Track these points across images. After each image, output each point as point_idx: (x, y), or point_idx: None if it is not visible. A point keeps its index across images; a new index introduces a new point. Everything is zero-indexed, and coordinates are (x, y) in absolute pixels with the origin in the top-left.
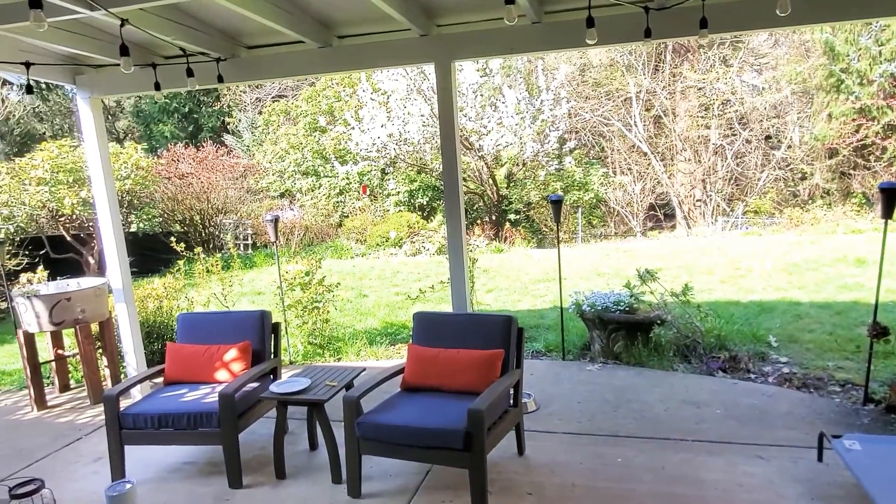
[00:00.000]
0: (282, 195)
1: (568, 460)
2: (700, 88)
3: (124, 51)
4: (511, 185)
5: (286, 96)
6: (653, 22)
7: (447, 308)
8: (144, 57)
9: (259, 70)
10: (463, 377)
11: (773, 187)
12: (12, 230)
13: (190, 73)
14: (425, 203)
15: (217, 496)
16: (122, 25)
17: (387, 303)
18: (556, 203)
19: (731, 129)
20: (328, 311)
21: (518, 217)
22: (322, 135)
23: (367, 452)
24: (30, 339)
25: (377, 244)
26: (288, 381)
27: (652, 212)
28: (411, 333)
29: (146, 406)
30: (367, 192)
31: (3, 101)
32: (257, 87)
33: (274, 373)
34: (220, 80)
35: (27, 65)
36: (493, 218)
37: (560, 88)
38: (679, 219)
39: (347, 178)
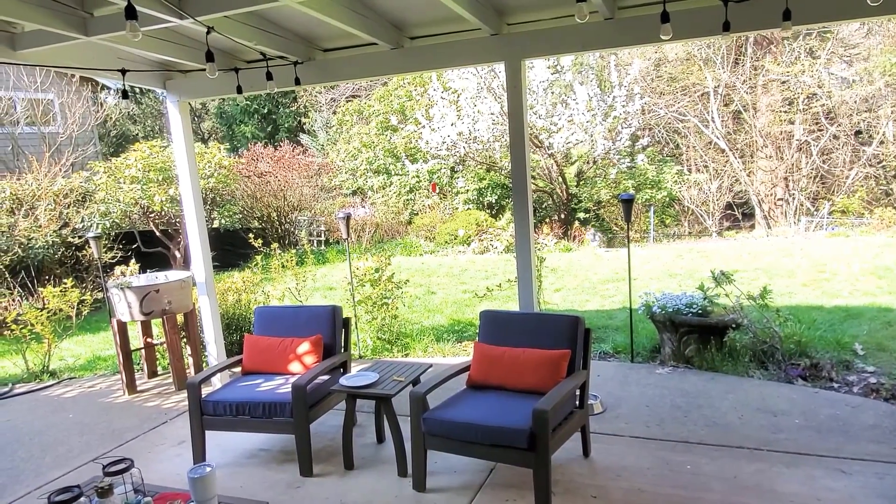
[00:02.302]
0: (354, 193)
1: (635, 465)
2: (784, 82)
3: (210, 56)
4: (581, 183)
5: (359, 96)
6: (732, 14)
7: (514, 307)
8: (228, 62)
9: (333, 72)
10: (528, 376)
11: (862, 186)
12: (108, 225)
13: (269, 76)
14: (494, 201)
15: (289, 483)
16: (207, 32)
17: (454, 300)
18: (627, 202)
19: (816, 124)
20: (397, 308)
21: (588, 216)
22: (393, 134)
23: (433, 448)
24: (122, 328)
25: (446, 242)
26: (357, 375)
27: (729, 211)
28: (478, 331)
29: (225, 394)
30: (437, 190)
31: (102, 105)
32: (332, 88)
33: (344, 366)
34: (297, 82)
35: (123, 71)
36: (562, 216)
37: (633, 84)
38: (758, 218)
39: (417, 177)
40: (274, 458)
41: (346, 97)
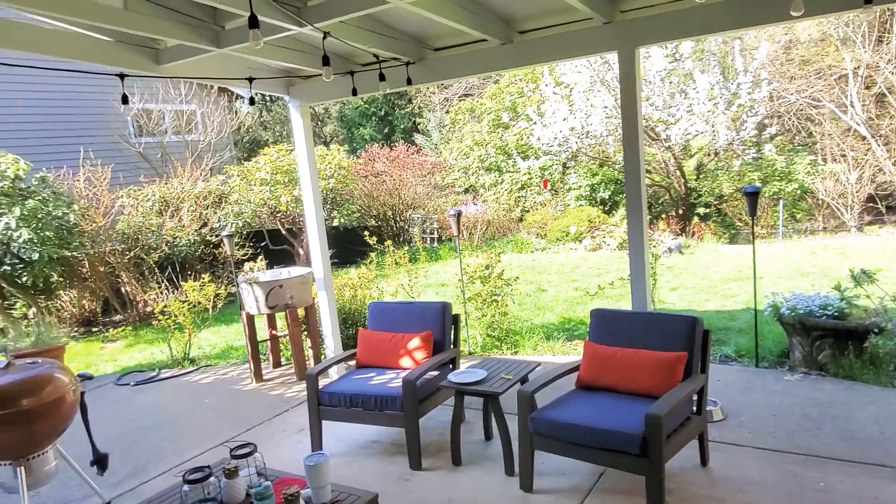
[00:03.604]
0: (466, 191)
1: (759, 478)
2: None
3: (326, 61)
4: (701, 176)
5: (472, 95)
6: None
7: (626, 305)
8: (344, 66)
9: (444, 70)
10: (641, 379)
11: None
12: (240, 225)
13: (382, 77)
14: (607, 197)
15: (400, 475)
16: (324, 38)
17: (565, 298)
18: (753, 195)
19: None
20: (506, 305)
21: (708, 211)
22: (505, 131)
23: (540, 448)
24: (250, 320)
25: (557, 238)
26: (466, 372)
27: (871, 204)
28: (588, 330)
29: (340, 386)
30: (549, 187)
31: (236, 113)
32: (445, 88)
33: (453, 362)
34: (409, 82)
35: (250, 79)
36: (680, 212)
37: (760, 69)
38: None
39: (529, 173)
40: (385, 450)
41: (459, 96)
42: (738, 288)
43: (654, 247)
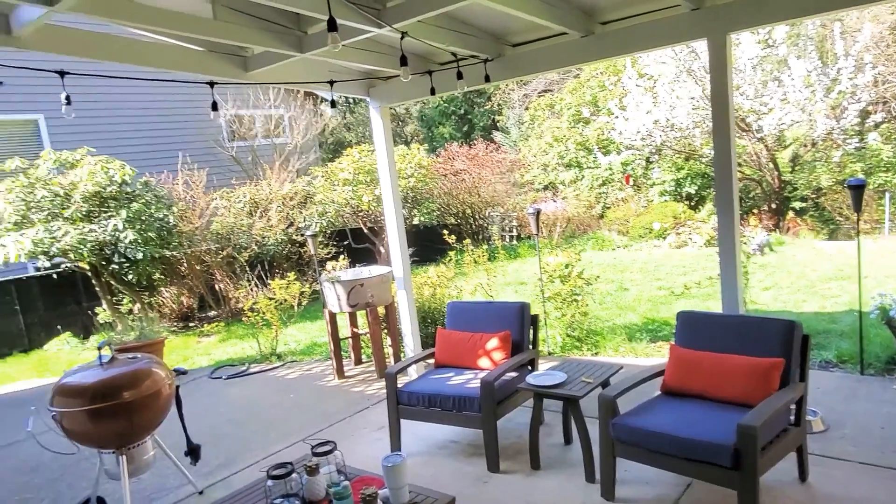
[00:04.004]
0: (545, 188)
1: (866, 496)
2: None
3: (403, 61)
4: (796, 168)
5: (551, 91)
6: None
7: (714, 306)
8: (422, 65)
9: (523, 66)
10: (732, 386)
11: None
12: (324, 224)
13: (460, 75)
14: (693, 192)
15: (477, 477)
16: (402, 38)
17: (648, 297)
18: (857, 188)
19: None
20: (587, 304)
21: (804, 205)
22: (585, 126)
23: (622, 455)
24: (333, 318)
25: (640, 235)
26: (544, 374)
27: None
28: (674, 332)
29: (419, 385)
30: (631, 182)
31: (321, 115)
32: (524, 84)
33: (532, 364)
34: (487, 79)
35: (331, 83)
36: (773, 206)
37: (863, 52)
38: None
39: (610, 169)
40: (463, 451)
41: (538, 92)
42: (840, 288)
43: (744, 244)
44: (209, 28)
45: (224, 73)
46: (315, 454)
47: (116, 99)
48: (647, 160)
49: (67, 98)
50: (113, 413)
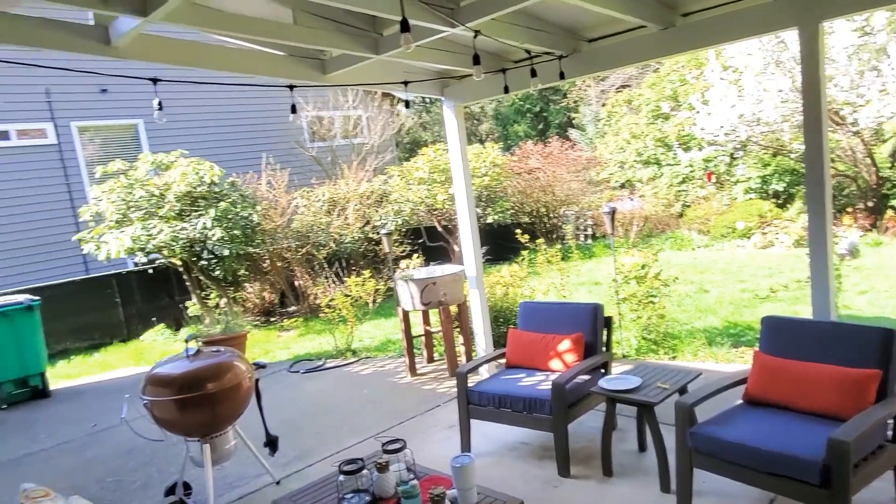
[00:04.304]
0: (622, 185)
1: None
2: None
3: (476, 60)
4: None
5: (629, 86)
6: None
7: (803, 310)
8: (496, 63)
9: (599, 62)
10: (822, 398)
11: None
12: (399, 223)
13: (533, 73)
14: (781, 189)
15: (547, 480)
16: (474, 37)
17: (731, 300)
18: None
19: None
20: (664, 307)
21: None
22: (665, 121)
23: (700, 466)
24: (406, 316)
25: (722, 235)
26: (618, 378)
27: None
28: (758, 338)
29: (489, 386)
30: (713, 180)
31: (397, 115)
32: (601, 80)
33: (605, 367)
34: (562, 76)
35: (405, 83)
36: (870, 205)
37: None
38: None
39: (691, 166)
40: (533, 453)
41: (616, 88)
42: None
43: (838, 244)
44: (290, 33)
45: (303, 76)
46: (385, 451)
47: (206, 103)
48: (731, 156)
49: (159, 104)
50: (197, 403)
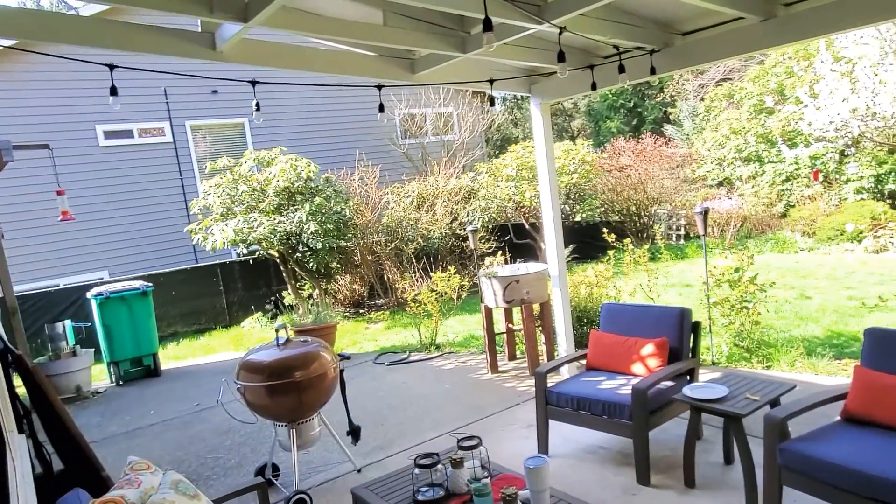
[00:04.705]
0: (720, 184)
1: None
2: None
3: (561, 57)
4: None
5: (731, 79)
6: None
7: None
8: (583, 60)
9: (693, 56)
10: None
11: None
12: (486, 219)
13: (621, 69)
14: None
15: (625, 488)
16: (560, 33)
17: (835, 307)
18: None
19: None
20: (759, 313)
21: None
22: (768, 116)
23: (791, 485)
24: (489, 313)
25: (829, 238)
26: (704, 386)
27: None
28: (861, 351)
29: (568, 387)
30: (820, 178)
31: (487, 112)
32: (700, 74)
33: (691, 374)
34: (653, 71)
35: (491, 81)
36: None
37: None
38: None
39: (796, 163)
40: (612, 459)
41: (716, 81)
42: None
43: None
44: (380, 34)
45: (393, 75)
46: (461, 447)
47: (304, 103)
48: (842, 153)
49: (257, 104)
50: (285, 390)
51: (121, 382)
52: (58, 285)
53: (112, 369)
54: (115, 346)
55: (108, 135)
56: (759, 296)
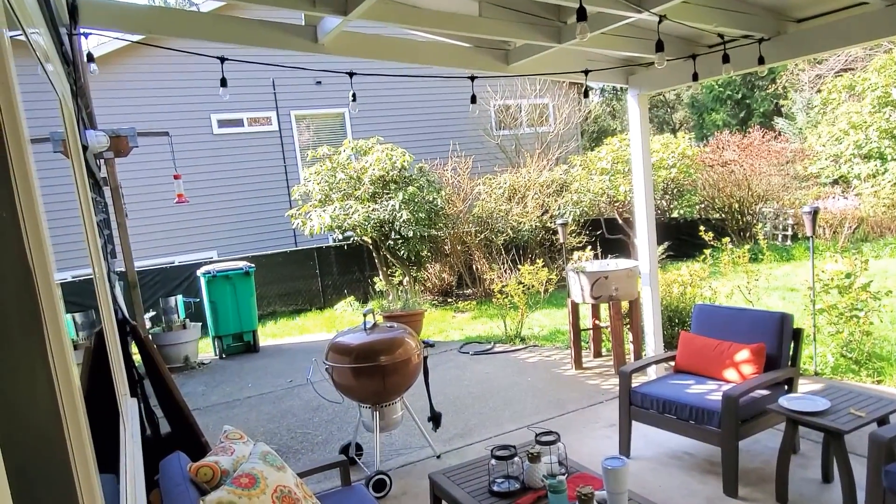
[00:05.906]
0: (835, 182)
1: None
2: None
3: (659, 46)
4: None
5: (853, 69)
6: None
7: None
8: (685, 49)
9: (809, 44)
10: None
11: None
12: (578, 213)
13: (725, 59)
14: None
15: (710, 498)
16: (659, 22)
17: None
18: None
19: None
20: (871, 322)
21: None
22: (894, 110)
23: None
24: (575, 308)
25: None
26: (802, 398)
27: None
28: None
29: (653, 388)
30: None
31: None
32: (817, 64)
33: (789, 383)
34: (761, 61)
35: (585, 72)
36: None
37: None
38: None
39: None
40: (697, 466)
41: (835, 72)
42: None
43: None
44: (476, 25)
45: (488, 66)
46: (538, 442)
47: (402, 93)
48: None
49: (353, 95)
50: (370, 373)
51: (223, 356)
52: (173, 262)
53: (216, 343)
54: (219, 322)
55: (222, 123)
56: (873, 304)
